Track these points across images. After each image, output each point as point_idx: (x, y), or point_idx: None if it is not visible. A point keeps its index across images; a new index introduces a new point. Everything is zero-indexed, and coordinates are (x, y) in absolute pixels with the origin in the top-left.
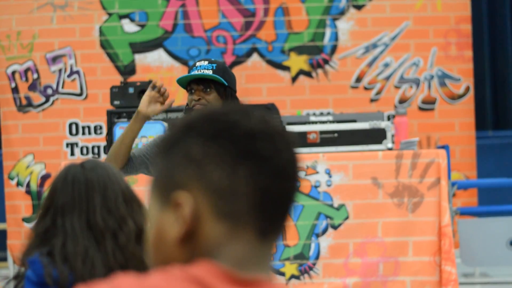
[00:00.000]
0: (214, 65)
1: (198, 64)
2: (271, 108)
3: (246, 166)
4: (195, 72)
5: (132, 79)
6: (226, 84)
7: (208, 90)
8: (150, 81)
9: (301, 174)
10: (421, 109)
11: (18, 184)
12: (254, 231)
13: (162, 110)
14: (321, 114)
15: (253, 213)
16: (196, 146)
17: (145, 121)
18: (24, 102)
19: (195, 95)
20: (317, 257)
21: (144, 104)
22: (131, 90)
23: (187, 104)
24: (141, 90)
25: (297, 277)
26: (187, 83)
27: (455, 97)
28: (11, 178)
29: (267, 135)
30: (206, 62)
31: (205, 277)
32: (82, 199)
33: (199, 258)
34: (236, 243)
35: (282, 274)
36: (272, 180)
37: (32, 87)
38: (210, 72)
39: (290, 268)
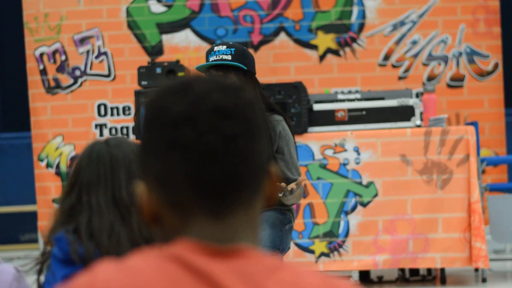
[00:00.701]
0: (233, 49)
1: (216, 49)
2: (298, 87)
3: (173, 155)
4: (213, 58)
5: (159, 59)
6: (246, 68)
7: (229, 76)
8: (177, 61)
9: (245, 149)
10: (449, 86)
11: (48, 165)
12: (205, 215)
13: None
14: (349, 92)
15: (196, 199)
16: (142, 136)
17: None
18: (52, 84)
19: None
20: (346, 235)
21: None
22: (158, 70)
23: None
24: (168, 70)
25: (327, 255)
26: (207, 69)
27: (483, 74)
28: (41, 160)
29: (190, 120)
30: (225, 47)
31: (182, 253)
32: (107, 175)
33: (175, 237)
34: (193, 228)
35: (312, 251)
36: (199, 166)
37: (60, 68)
38: (229, 57)
39: (320, 246)
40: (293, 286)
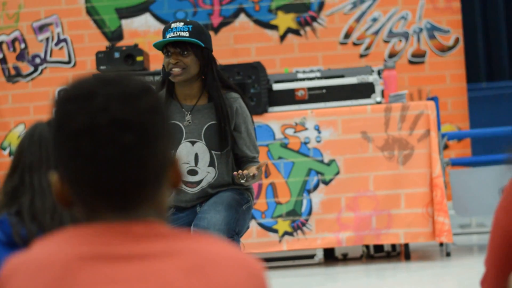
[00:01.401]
0: (190, 26)
1: (173, 25)
2: (257, 67)
3: (76, 164)
4: (171, 35)
5: (119, 44)
6: (203, 45)
7: (186, 52)
8: (135, 45)
9: (142, 155)
10: (411, 62)
11: (10, 154)
12: (110, 211)
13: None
14: (311, 71)
15: (100, 199)
16: (52, 139)
17: None
18: (12, 72)
19: (172, 58)
20: (309, 213)
21: None
22: (117, 55)
23: (163, 67)
24: (127, 54)
25: (290, 234)
26: (163, 46)
27: (445, 49)
28: (3, 148)
29: (89, 132)
30: (182, 24)
31: (94, 233)
32: (49, 156)
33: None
34: (99, 218)
35: (275, 231)
36: (99, 175)
37: (20, 57)
38: (186, 34)
39: (283, 225)
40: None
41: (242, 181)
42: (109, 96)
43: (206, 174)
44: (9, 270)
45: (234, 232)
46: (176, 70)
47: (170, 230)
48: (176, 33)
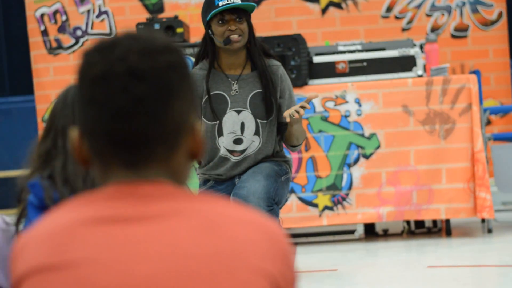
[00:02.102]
0: None
1: None
2: (297, 39)
3: (91, 111)
4: (224, 2)
5: (160, 16)
6: (255, 7)
7: (241, 19)
8: (176, 17)
9: (156, 110)
10: (454, 36)
11: None
12: (122, 166)
13: None
14: (352, 44)
15: (112, 151)
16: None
17: None
18: (54, 44)
19: (232, 25)
20: (349, 188)
21: None
22: (157, 26)
23: (212, 35)
24: (167, 26)
25: (331, 208)
26: (220, 13)
27: (488, 24)
28: (45, 121)
29: (105, 80)
30: None
31: (112, 194)
32: None
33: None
34: (112, 178)
35: (315, 205)
36: (111, 124)
37: (62, 29)
38: (239, 1)
39: (323, 199)
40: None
41: (290, 119)
42: (130, 48)
43: (251, 143)
44: (21, 244)
45: (274, 201)
46: (235, 37)
47: (181, 191)
48: (230, 0)
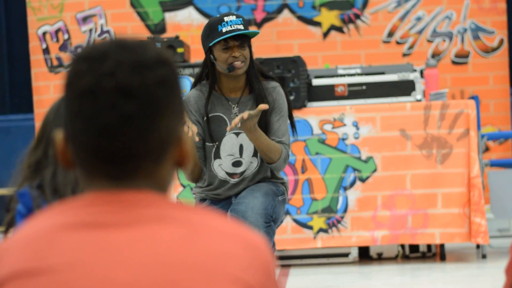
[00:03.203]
0: (241, 19)
1: (226, 19)
2: (297, 61)
3: (77, 124)
4: (228, 28)
5: (162, 37)
6: (257, 33)
7: (244, 45)
8: (177, 37)
9: (143, 128)
10: (454, 63)
11: None
12: (105, 178)
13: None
14: (351, 68)
15: (97, 164)
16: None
17: None
18: (55, 62)
19: (235, 51)
20: (345, 210)
21: None
22: (157, 45)
23: (214, 60)
24: (168, 45)
25: (325, 231)
26: (224, 39)
27: (488, 50)
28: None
29: (93, 95)
30: (234, 17)
31: (92, 201)
32: None
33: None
34: (94, 185)
35: (310, 227)
36: (97, 139)
37: (63, 47)
38: (242, 27)
39: (318, 222)
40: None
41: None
42: (120, 62)
43: (250, 164)
44: (1, 250)
45: (271, 218)
46: (238, 63)
47: (163, 198)
48: (233, 27)
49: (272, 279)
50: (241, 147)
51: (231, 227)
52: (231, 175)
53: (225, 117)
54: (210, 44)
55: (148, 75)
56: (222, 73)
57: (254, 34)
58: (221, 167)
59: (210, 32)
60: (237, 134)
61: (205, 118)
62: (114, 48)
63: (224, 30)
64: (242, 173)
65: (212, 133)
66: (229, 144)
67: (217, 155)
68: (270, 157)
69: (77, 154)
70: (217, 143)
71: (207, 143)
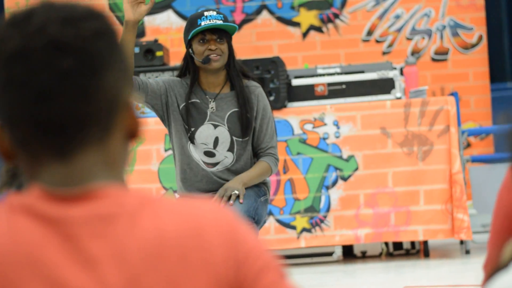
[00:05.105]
0: (221, 15)
1: (206, 13)
2: (276, 62)
3: (11, 94)
4: (206, 22)
5: (140, 40)
6: (236, 29)
7: (222, 40)
8: (156, 40)
9: (85, 85)
10: (434, 60)
11: None
12: (52, 155)
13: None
14: (331, 67)
15: (40, 138)
16: None
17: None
18: None
19: (212, 45)
20: (328, 210)
21: (128, 11)
22: (136, 50)
23: (192, 54)
24: (146, 49)
25: (309, 230)
26: (201, 33)
27: (468, 47)
28: None
29: (23, 57)
30: (215, 12)
31: (32, 202)
32: None
33: (29, 181)
34: (43, 172)
35: (293, 227)
36: (36, 106)
37: None
38: (221, 22)
39: (301, 221)
40: (152, 232)
41: (231, 202)
42: (48, 18)
43: (224, 158)
44: None
45: (254, 219)
46: (214, 56)
47: (115, 190)
48: (212, 21)
49: (247, 245)
50: (216, 139)
51: (183, 206)
52: (205, 163)
53: (203, 108)
54: (189, 37)
55: (83, 27)
56: (201, 69)
57: (233, 28)
58: (196, 151)
59: (190, 26)
60: (215, 126)
61: (184, 103)
62: (39, 7)
63: (202, 23)
64: (215, 164)
65: (189, 119)
66: (205, 133)
67: (192, 140)
68: (266, 177)
69: (15, 134)
70: (192, 129)
71: (184, 126)
